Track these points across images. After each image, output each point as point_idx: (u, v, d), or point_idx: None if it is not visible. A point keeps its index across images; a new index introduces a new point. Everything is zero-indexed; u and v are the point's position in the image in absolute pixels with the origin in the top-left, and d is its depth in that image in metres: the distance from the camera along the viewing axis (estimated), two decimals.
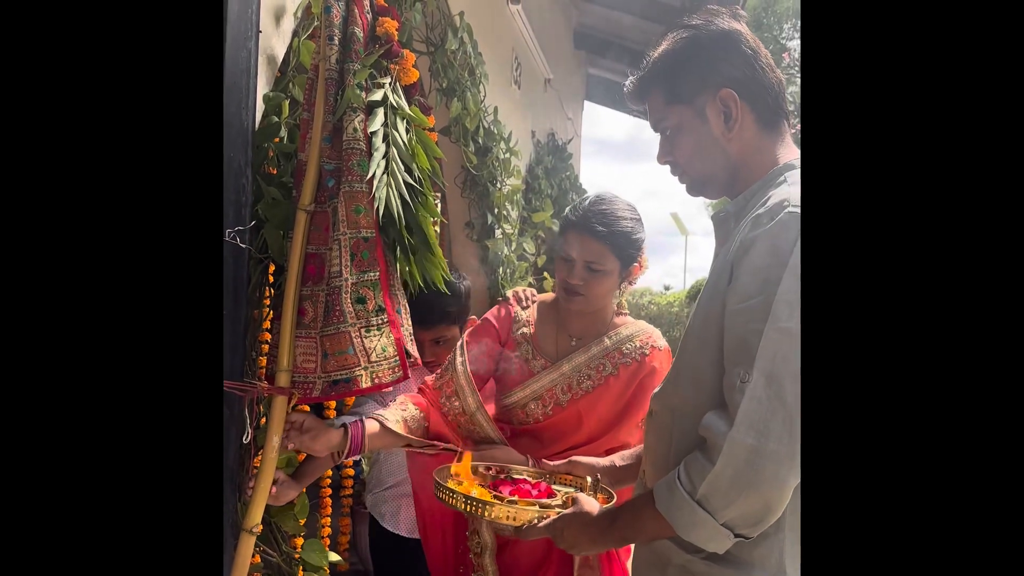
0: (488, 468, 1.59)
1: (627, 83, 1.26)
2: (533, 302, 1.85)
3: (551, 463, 1.58)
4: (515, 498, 1.36)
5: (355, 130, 1.36)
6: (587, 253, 1.63)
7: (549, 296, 1.85)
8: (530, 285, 3.55)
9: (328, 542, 2.04)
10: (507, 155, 3.21)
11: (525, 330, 1.78)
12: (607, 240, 1.62)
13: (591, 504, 1.22)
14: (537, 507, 1.30)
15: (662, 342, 1.77)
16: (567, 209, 1.73)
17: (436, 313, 1.92)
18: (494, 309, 1.85)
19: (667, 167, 1.25)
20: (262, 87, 1.44)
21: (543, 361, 1.74)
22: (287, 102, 1.52)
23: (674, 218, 21.10)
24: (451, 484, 1.41)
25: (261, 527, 1.37)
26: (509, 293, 1.87)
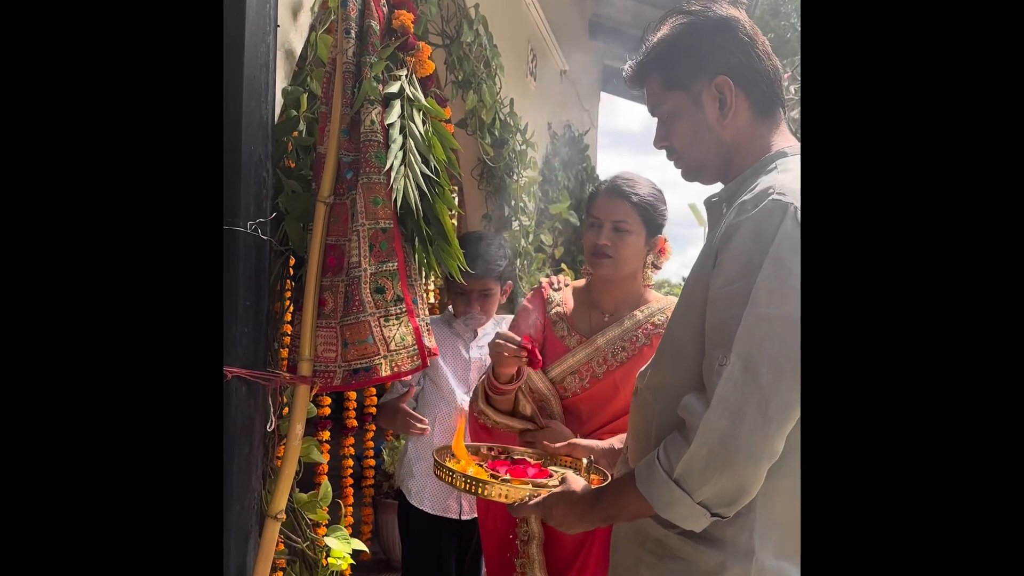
0: (490, 448, 1.65)
1: (626, 67, 1.28)
2: (565, 286, 1.92)
3: (553, 445, 1.62)
4: (508, 477, 1.39)
5: (372, 122, 1.38)
6: (614, 213, 1.71)
7: (581, 282, 1.92)
8: (547, 276, 3.56)
9: (350, 531, 2.07)
10: (523, 147, 3.21)
11: (560, 309, 1.85)
12: (632, 201, 1.71)
13: (578, 483, 1.24)
14: (530, 486, 1.32)
15: None
16: (593, 187, 1.81)
17: (488, 267, 2.09)
18: (527, 296, 1.93)
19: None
20: (281, 81, 1.46)
21: (578, 337, 1.80)
22: (305, 96, 1.54)
23: (692, 209, 20.97)
24: (450, 463, 1.44)
25: (285, 515, 1.39)
26: (542, 279, 1.95)
